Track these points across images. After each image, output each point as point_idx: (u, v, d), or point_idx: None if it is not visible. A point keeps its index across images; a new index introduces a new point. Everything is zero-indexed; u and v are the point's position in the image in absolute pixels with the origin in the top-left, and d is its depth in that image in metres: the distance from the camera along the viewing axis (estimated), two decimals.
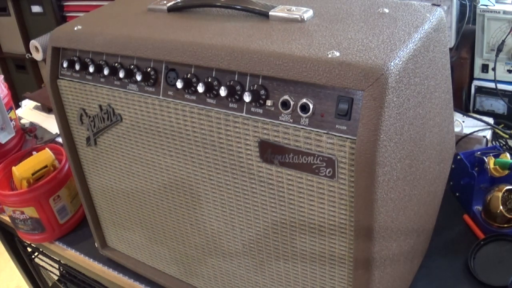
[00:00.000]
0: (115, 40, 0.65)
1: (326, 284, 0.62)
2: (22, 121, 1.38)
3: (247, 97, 0.55)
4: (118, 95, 0.68)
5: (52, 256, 1.12)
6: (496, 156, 0.85)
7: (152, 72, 0.64)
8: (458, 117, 1.03)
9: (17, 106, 1.47)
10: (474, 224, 0.85)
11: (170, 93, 0.63)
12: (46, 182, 0.92)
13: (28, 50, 2.51)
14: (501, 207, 0.80)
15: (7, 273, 2.06)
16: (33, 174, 0.93)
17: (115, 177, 0.77)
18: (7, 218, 1.00)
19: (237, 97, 0.57)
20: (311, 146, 0.53)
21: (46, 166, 0.95)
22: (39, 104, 1.44)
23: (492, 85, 1.07)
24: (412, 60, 0.52)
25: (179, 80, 0.60)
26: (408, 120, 0.54)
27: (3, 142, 1.11)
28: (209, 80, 0.59)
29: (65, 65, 0.71)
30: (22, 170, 0.93)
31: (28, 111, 1.44)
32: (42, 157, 0.96)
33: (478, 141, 0.99)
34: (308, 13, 0.60)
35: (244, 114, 0.57)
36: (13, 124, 1.14)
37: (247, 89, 0.57)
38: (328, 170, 0.53)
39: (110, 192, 0.80)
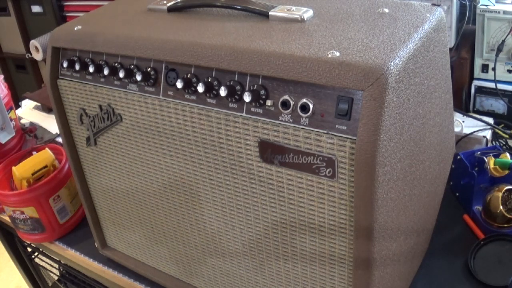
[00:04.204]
0: (115, 40, 0.65)
1: (326, 284, 0.62)
2: (22, 121, 1.38)
3: (247, 97, 0.55)
4: (118, 95, 0.68)
5: (52, 256, 1.12)
6: (496, 156, 0.85)
7: (152, 72, 0.64)
8: (458, 117, 1.03)
9: (17, 106, 1.47)
10: (474, 224, 0.85)
11: (170, 93, 0.63)
12: (46, 182, 0.92)
13: (28, 50, 2.51)
14: (501, 207, 0.80)
15: (7, 273, 2.06)
16: (33, 174, 0.93)
17: (115, 177, 0.77)
18: (7, 218, 1.00)
19: (237, 97, 0.57)
20: (311, 146, 0.53)
21: (46, 166, 0.95)
22: (39, 104, 1.44)
23: (492, 85, 1.07)
24: (412, 60, 0.52)
25: (179, 80, 0.60)
26: (408, 120, 0.54)
27: (3, 142, 1.11)
28: (209, 80, 0.59)
29: (65, 65, 0.72)
30: (22, 170, 0.93)
31: (28, 111, 1.44)
32: (42, 157, 0.96)
33: (478, 141, 0.99)
34: (308, 13, 0.60)
35: (244, 114, 0.57)
36: (13, 124, 1.14)
37: (247, 89, 0.57)
38: (328, 170, 0.53)
39: (110, 192, 0.80)
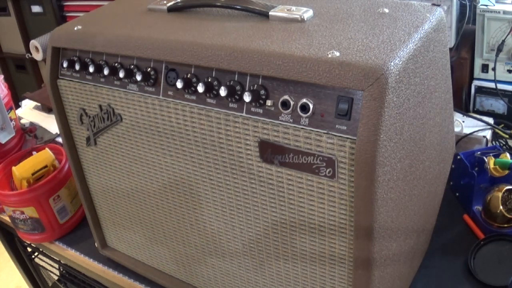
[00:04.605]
0: (115, 40, 0.65)
1: (326, 284, 0.62)
2: (22, 121, 1.38)
3: (247, 97, 0.55)
4: (118, 95, 0.68)
5: (52, 256, 1.12)
6: (496, 156, 0.85)
7: (152, 72, 0.64)
8: (458, 117, 1.03)
9: (17, 106, 1.47)
10: (474, 224, 0.85)
11: (170, 93, 0.63)
12: (46, 182, 0.92)
13: (28, 50, 2.51)
14: (501, 207, 0.80)
15: (7, 273, 2.06)
16: (33, 174, 0.93)
17: (115, 177, 0.77)
18: (7, 218, 1.00)
19: (237, 97, 0.57)
20: (311, 146, 0.53)
21: (46, 166, 0.95)
22: (39, 104, 1.44)
23: (492, 85, 1.07)
24: (412, 60, 0.52)
25: (179, 80, 0.60)
26: (408, 120, 0.54)
27: (3, 142, 1.11)
28: (209, 80, 0.59)
29: (65, 65, 0.72)
30: (22, 170, 0.93)
31: (28, 111, 1.44)
32: (42, 157, 0.96)
33: (478, 141, 0.99)
34: (308, 13, 0.60)
35: (244, 114, 0.57)
36: (13, 124, 1.14)
37: (247, 89, 0.57)
38: (328, 170, 0.53)
39: (110, 192, 0.80)
